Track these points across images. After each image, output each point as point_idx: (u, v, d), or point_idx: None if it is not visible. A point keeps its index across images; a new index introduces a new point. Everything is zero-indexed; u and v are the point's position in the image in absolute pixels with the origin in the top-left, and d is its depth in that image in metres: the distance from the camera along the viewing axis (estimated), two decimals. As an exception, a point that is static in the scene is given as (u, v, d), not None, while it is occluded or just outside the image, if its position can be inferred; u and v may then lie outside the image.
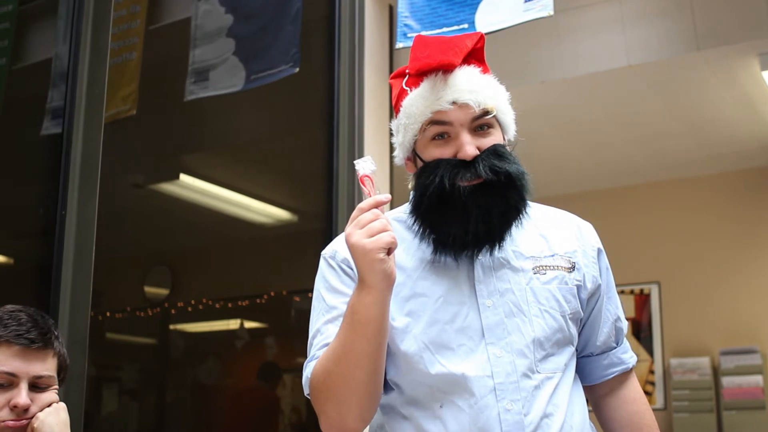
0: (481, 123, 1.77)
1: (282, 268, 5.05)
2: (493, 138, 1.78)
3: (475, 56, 1.84)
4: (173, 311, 4.76)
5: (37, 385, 1.92)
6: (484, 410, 1.68)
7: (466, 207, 1.71)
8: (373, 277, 1.60)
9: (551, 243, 1.84)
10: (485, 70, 1.84)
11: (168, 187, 4.33)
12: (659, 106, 5.80)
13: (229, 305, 4.95)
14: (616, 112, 5.90)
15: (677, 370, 6.87)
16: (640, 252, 6.90)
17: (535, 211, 1.88)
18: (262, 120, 4.85)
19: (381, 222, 1.61)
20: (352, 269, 1.77)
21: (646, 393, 6.61)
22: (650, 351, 7.01)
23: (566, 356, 1.78)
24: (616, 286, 1.96)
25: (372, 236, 1.59)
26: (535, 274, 1.78)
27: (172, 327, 4.80)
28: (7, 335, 1.88)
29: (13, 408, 1.87)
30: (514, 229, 1.78)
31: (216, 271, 4.81)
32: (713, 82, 5.43)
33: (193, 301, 4.79)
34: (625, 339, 1.92)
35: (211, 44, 4.00)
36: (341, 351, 1.64)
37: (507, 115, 1.83)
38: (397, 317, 1.74)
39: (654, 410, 1.94)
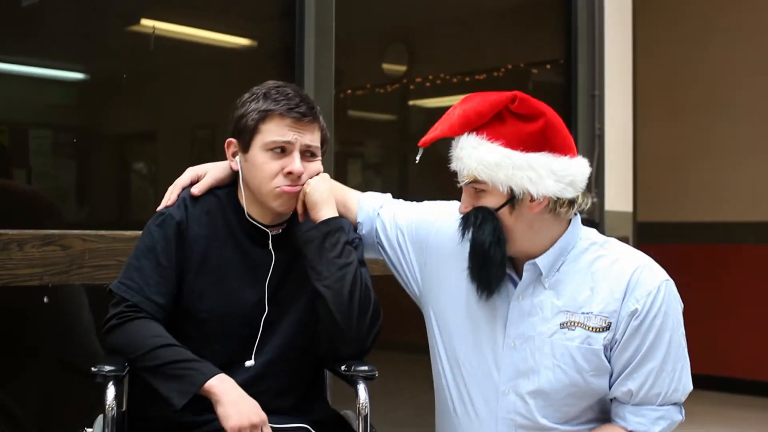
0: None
1: (520, 40, 4.89)
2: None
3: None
4: (411, 87, 4.78)
5: (307, 154, 2.02)
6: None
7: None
8: None
9: (594, 299, 1.85)
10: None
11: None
12: None
13: (467, 79, 4.89)
14: None
15: None
16: None
17: (601, 256, 1.90)
18: None
19: None
20: None
21: None
22: None
23: (585, 406, 1.91)
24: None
25: None
26: (561, 328, 1.86)
27: (410, 103, 4.83)
28: (280, 109, 1.97)
29: (288, 174, 1.98)
30: (570, 272, 1.88)
31: (452, 46, 4.73)
32: None
33: (430, 77, 4.77)
34: (649, 413, 1.88)
35: None
36: None
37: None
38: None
39: None
